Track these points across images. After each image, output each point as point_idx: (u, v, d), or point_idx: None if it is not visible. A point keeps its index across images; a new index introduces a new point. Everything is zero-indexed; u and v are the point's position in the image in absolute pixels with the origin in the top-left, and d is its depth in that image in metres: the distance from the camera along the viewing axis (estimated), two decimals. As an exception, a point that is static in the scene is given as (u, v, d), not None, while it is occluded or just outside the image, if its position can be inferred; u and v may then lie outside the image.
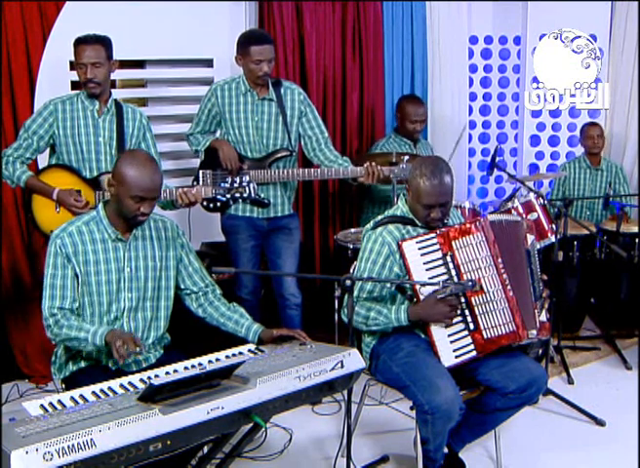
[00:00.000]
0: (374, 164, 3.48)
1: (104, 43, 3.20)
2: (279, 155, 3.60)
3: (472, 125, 5.30)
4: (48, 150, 3.35)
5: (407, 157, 3.64)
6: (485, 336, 2.71)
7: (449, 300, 2.65)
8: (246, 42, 3.48)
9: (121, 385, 2.23)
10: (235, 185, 3.07)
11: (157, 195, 2.54)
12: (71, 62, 3.80)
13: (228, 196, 3.08)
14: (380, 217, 2.88)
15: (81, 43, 3.16)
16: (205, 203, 3.57)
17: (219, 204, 3.46)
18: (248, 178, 3.10)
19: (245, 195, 3.07)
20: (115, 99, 3.34)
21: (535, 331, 2.78)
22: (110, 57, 3.23)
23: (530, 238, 2.90)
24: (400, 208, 2.88)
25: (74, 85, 3.84)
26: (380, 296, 2.79)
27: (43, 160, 3.40)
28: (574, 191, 4.89)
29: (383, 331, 2.79)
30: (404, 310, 2.69)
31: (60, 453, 1.72)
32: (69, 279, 2.54)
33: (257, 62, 3.45)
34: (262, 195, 3.58)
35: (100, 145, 3.27)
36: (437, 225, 2.80)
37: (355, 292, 2.65)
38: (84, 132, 3.27)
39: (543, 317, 2.86)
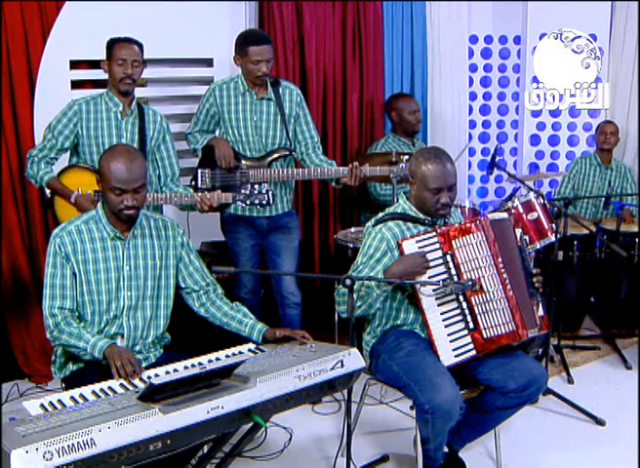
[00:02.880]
0: (356, 164, 3.48)
1: (141, 46, 3.30)
2: (278, 154, 3.61)
3: (472, 124, 5.31)
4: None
5: (407, 157, 3.64)
6: (485, 336, 2.71)
7: (420, 253, 2.68)
8: (244, 42, 3.48)
9: (121, 384, 2.24)
10: (255, 192, 3.14)
11: (138, 186, 2.49)
12: (72, 62, 3.82)
13: (248, 202, 3.14)
14: (380, 215, 2.88)
15: (122, 41, 3.26)
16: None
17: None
18: (267, 187, 3.15)
19: (264, 202, 3.15)
20: (137, 101, 3.39)
21: (535, 330, 2.79)
22: (143, 60, 3.32)
23: (517, 232, 2.90)
24: (401, 205, 2.88)
25: (74, 85, 3.85)
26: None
27: (64, 159, 3.42)
28: (582, 187, 4.93)
29: (370, 307, 2.74)
30: (380, 272, 2.70)
31: (61, 453, 1.72)
32: (69, 278, 2.54)
33: (255, 63, 3.46)
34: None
35: None
36: (445, 213, 2.79)
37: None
38: (107, 133, 3.31)
39: (541, 311, 2.87)
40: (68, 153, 3.39)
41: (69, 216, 3.17)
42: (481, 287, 2.70)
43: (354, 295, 2.61)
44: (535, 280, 2.86)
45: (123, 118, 3.33)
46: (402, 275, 2.67)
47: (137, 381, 2.26)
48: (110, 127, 3.31)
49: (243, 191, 3.16)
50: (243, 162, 3.57)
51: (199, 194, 3.21)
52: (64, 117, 3.29)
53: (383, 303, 2.81)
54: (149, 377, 2.27)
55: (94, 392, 2.17)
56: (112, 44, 3.26)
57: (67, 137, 3.29)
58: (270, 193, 3.14)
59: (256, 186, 3.16)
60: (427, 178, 2.73)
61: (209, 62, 4.30)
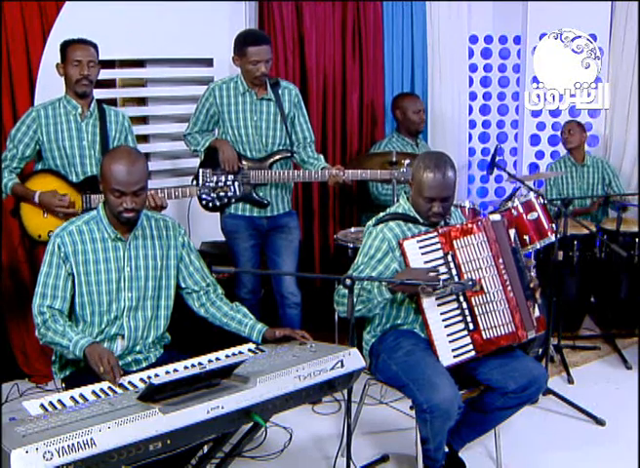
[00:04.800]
0: (335, 172, 3.48)
1: (96, 47, 3.27)
2: (279, 156, 3.61)
3: (472, 124, 5.31)
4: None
5: (408, 160, 3.64)
6: (484, 337, 2.71)
7: (430, 268, 2.67)
8: (243, 43, 3.48)
9: (121, 384, 2.24)
10: (220, 185, 3.14)
11: (138, 189, 2.48)
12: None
13: (213, 195, 3.15)
14: (381, 214, 2.88)
15: (75, 43, 3.23)
16: (204, 202, 3.59)
17: (218, 203, 3.48)
18: (232, 177, 3.13)
19: (230, 194, 3.14)
20: (98, 102, 3.37)
21: (533, 332, 2.79)
22: (99, 61, 3.29)
23: (511, 233, 2.90)
24: (402, 205, 2.88)
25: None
26: None
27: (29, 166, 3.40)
28: (563, 190, 4.92)
29: (370, 311, 2.75)
30: (383, 273, 2.69)
31: (61, 453, 1.72)
32: (62, 279, 2.53)
33: (254, 63, 3.46)
34: (262, 194, 3.60)
35: (83, 149, 3.29)
36: (438, 220, 2.80)
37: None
38: (67, 136, 3.28)
39: (537, 312, 2.87)
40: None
41: (36, 222, 3.18)
42: (481, 287, 2.70)
43: (354, 299, 2.62)
44: (530, 283, 2.85)
45: (83, 120, 3.30)
46: (408, 288, 2.67)
47: (137, 381, 2.26)
48: (70, 130, 3.28)
49: (208, 184, 3.16)
50: (244, 163, 3.57)
51: (150, 192, 3.17)
52: (23, 125, 3.25)
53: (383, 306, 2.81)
54: (149, 377, 2.27)
55: (94, 392, 2.17)
56: (66, 46, 3.24)
57: (28, 145, 3.24)
58: (236, 184, 3.13)
59: (222, 178, 3.14)
60: (423, 186, 2.73)
61: (209, 62, 4.30)
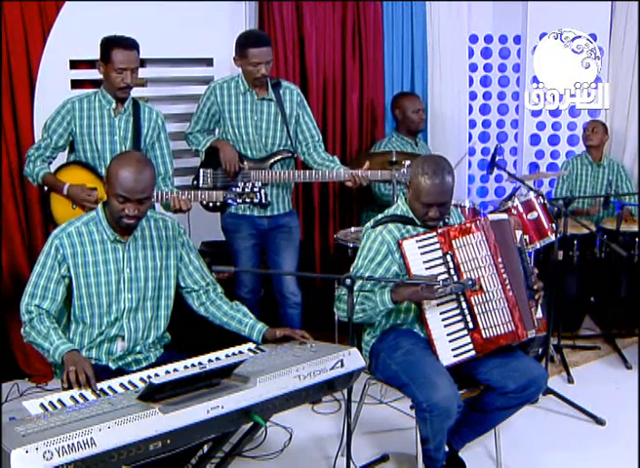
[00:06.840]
0: (357, 173, 3.47)
1: (138, 47, 3.24)
2: (280, 156, 3.61)
3: (472, 124, 5.30)
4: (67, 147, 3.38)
5: (408, 162, 3.64)
6: (484, 336, 2.71)
7: (431, 276, 2.65)
8: (244, 44, 3.48)
9: (121, 384, 2.24)
10: (247, 191, 3.15)
11: (143, 198, 2.47)
12: (71, 62, 3.82)
13: (239, 201, 3.16)
14: (380, 216, 2.88)
15: (120, 46, 3.17)
16: (210, 204, 3.58)
17: (218, 204, 3.48)
18: (260, 185, 3.15)
19: (255, 201, 3.15)
20: (133, 98, 3.37)
21: (533, 331, 2.79)
22: (140, 60, 3.29)
23: (518, 234, 2.90)
24: (400, 207, 2.88)
25: (74, 84, 3.85)
26: None
27: (61, 157, 3.42)
28: (576, 187, 4.93)
29: (371, 319, 2.76)
30: (387, 291, 2.67)
31: (61, 452, 1.72)
32: (53, 282, 2.52)
33: (254, 64, 3.46)
34: (263, 195, 3.61)
35: (115, 144, 3.30)
36: (435, 224, 2.80)
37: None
38: (100, 131, 3.29)
39: (539, 313, 2.87)
40: (67, 151, 3.39)
41: (65, 214, 3.17)
42: (480, 286, 2.70)
43: (356, 307, 2.64)
44: (534, 285, 2.85)
45: (116, 116, 3.31)
46: (409, 298, 2.66)
47: (137, 381, 2.25)
48: (103, 124, 3.29)
49: (235, 189, 3.17)
50: (245, 163, 3.57)
51: (173, 194, 3.19)
52: (58, 115, 3.28)
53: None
54: (149, 377, 2.27)
55: (94, 392, 2.17)
56: (110, 47, 3.18)
57: (61, 136, 3.28)
58: (263, 192, 3.14)
59: (248, 184, 3.15)
60: (421, 191, 2.72)
61: (209, 62, 4.29)
